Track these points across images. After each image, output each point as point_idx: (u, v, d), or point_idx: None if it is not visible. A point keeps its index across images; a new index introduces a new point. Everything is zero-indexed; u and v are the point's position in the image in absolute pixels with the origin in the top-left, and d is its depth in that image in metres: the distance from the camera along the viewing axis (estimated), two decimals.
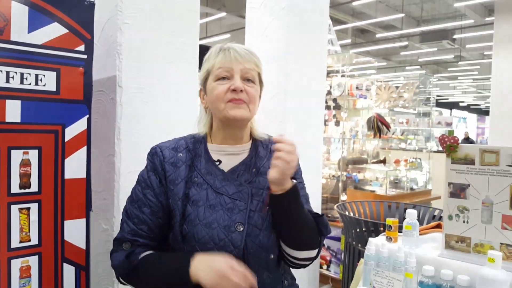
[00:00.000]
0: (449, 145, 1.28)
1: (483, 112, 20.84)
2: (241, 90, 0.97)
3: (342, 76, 4.28)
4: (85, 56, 1.29)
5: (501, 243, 1.25)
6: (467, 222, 1.30)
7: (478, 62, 13.38)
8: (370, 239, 1.38)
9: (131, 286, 1.03)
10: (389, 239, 1.43)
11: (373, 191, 4.24)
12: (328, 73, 4.53)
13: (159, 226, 0.99)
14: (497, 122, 7.32)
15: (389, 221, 1.43)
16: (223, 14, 9.31)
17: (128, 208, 1.01)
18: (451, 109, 20.18)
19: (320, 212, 2.83)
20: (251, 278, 0.86)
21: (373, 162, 4.92)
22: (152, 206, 0.98)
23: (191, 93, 1.69)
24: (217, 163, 1.02)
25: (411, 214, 1.38)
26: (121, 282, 1.03)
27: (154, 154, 1.02)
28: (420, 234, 1.43)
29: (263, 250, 0.97)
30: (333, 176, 4.34)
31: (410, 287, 1.27)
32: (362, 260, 1.42)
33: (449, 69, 15.13)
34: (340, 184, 4.14)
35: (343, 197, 4.07)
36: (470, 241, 1.30)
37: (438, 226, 1.53)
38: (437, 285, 1.23)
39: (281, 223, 0.98)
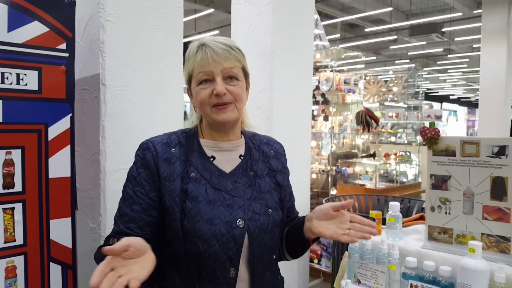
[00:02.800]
0: (430, 137, 1.30)
1: (473, 105, 21.02)
2: (224, 94, 0.95)
3: (331, 71, 4.30)
4: (66, 55, 1.28)
5: (482, 233, 1.28)
6: (449, 214, 1.32)
7: (467, 55, 13.48)
8: None
9: None
10: None
11: (363, 185, 4.28)
12: (317, 68, 4.55)
13: (150, 224, 0.97)
14: (486, 115, 7.41)
15: (372, 213, 1.44)
16: (211, 10, 9.26)
17: (120, 206, 1.00)
18: (441, 102, 20.34)
19: (309, 207, 2.85)
20: None
21: (363, 156, 4.95)
22: (142, 204, 0.96)
23: (176, 90, 1.69)
24: (211, 159, 1.01)
25: (394, 207, 1.40)
26: None
27: (146, 149, 0.99)
28: (403, 226, 1.45)
29: (267, 252, 0.99)
30: (323, 170, 4.37)
31: (393, 278, 1.30)
32: (346, 253, 1.44)
33: (438, 62, 15.22)
34: (329, 179, 4.17)
35: (333, 192, 4.09)
36: (452, 232, 1.32)
37: (421, 218, 1.55)
38: (419, 277, 1.25)
39: (295, 246, 1.08)
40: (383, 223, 1.46)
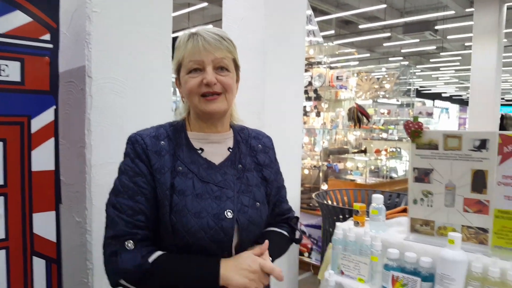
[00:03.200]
0: (413, 131, 1.31)
1: (465, 103, 21.16)
2: (215, 83, 0.94)
3: (324, 67, 4.31)
4: (51, 46, 1.28)
5: (463, 225, 1.30)
6: (431, 206, 1.34)
7: (460, 53, 13.57)
8: (338, 223, 1.42)
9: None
10: (357, 223, 1.46)
11: (354, 180, 4.31)
12: (310, 64, 4.56)
13: (154, 215, 0.93)
14: (476, 112, 7.48)
15: (356, 206, 1.46)
16: (205, 4, 9.21)
17: (115, 201, 0.92)
18: (433, 100, 20.46)
19: (299, 203, 2.86)
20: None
21: (354, 152, 4.98)
22: (146, 193, 0.92)
23: (164, 84, 1.68)
24: (199, 151, 0.99)
25: (377, 199, 1.41)
26: (121, 285, 0.92)
27: (135, 143, 0.96)
28: (387, 219, 1.46)
29: (255, 244, 0.99)
30: (315, 166, 4.38)
31: (375, 270, 1.31)
32: (331, 244, 1.45)
33: (431, 60, 15.30)
34: (320, 174, 4.19)
35: (324, 187, 4.12)
36: (434, 224, 1.34)
37: (405, 211, 1.57)
38: (401, 268, 1.27)
39: None
40: (368, 215, 1.47)
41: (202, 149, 1.00)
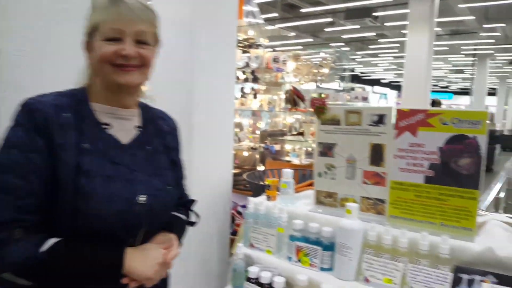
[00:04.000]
0: (318, 107, 1.36)
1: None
2: (134, 57, 0.87)
3: (262, 49, 4.32)
4: None
5: (362, 197, 1.37)
6: (334, 179, 1.40)
7: (398, 40, 14.22)
8: (250, 198, 1.44)
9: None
10: (269, 197, 1.50)
11: (290, 161, 4.42)
12: (250, 45, 4.56)
13: (49, 198, 0.82)
14: (408, 97, 7.93)
15: (268, 180, 1.49)
16: None
17: None
18: (373, 86, 21.41)
19: (230, 184, 2.88)
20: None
21: (292, 135, 5.10)
22: (41, 173, 0.80)
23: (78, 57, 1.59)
24: (105, 126, 0.90)
25: (287, 174, 1.46)
26: (10, 280, 0.79)
27: (35, 111, 0.82)
28: (296, 192, 1.52)
29: (163, 230, 0.98)
30: (252, 148, 4.44)
31: (282, 241, 1.36)
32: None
33: (370, 47, 15.90)
34: (257, 156, 4.25)
35: (260, 168, 4.18)
36: (337, 196, 1.41)
37: (313, 184, 1.63)
38: (305, 238, 1.32)
39: None
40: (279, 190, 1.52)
41: (108, 125, 0.90)
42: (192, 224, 1.11)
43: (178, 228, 1.03)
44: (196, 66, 2.49)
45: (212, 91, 2.61)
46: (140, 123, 0.97)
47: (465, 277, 1.11)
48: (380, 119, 1.33)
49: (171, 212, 1.01)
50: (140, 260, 0.85)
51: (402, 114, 1.31)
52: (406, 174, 1.29)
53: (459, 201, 1.23)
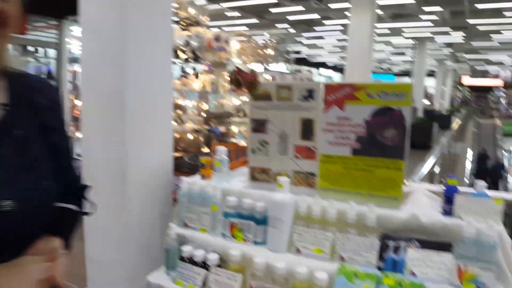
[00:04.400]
0: (249, 82, 1.35)
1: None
2: None
3: (202, 27, 4.22)
4: None
5: (294, 171, 1.39)
6: (268, 155, 1.41)
7: (341, 23, 14.55)
8: (184, 178, 1.42)
9: None
10: (203, 176, 1.48)
11: (236, 143, 4.42)
12: (191, 24, 4.43)
13: None
14: (351, 79, 8.19)
15: (203, 159, 1.47)
16: None
17: None
18: (318, 68, 21.88)
19: (172, 167, 2.81)
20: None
21: (239, 116, 5.08)
22: None
23: None
24: None
25: (220, 152, 1.44)
26: None
27: None
28: (231, 169, 1.51)
29: (40, 235, 0.74)
30: (196, 130, 4.37)
31: (216, 218, 1.35)
32: None
33: (315, 29, 16.13)
34: (201, 138, 4.20)
35: (205, 150, 4.14)
36: (271, 172, 1.42)
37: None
38: (239, 214, 1.32)
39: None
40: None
41: None
42: (86, 214, 0.92)
43: (68, 222, 0.86)
44: (128, 42, 2.37)
45: (146, 68, 2.50)
46: (7, 100, 0.74)
47: (391, 243, 1.17)
48: (310, 94, 1.34)
49: (55, 205, 0.80)
50: (14, 280, 0.64)
51: (330, 88, 1.33)
52: (335, 147, 1.32)
53: (385, 172, 1.28)
